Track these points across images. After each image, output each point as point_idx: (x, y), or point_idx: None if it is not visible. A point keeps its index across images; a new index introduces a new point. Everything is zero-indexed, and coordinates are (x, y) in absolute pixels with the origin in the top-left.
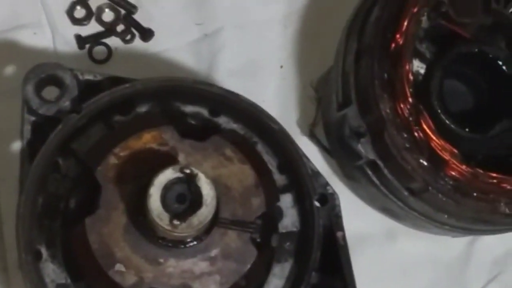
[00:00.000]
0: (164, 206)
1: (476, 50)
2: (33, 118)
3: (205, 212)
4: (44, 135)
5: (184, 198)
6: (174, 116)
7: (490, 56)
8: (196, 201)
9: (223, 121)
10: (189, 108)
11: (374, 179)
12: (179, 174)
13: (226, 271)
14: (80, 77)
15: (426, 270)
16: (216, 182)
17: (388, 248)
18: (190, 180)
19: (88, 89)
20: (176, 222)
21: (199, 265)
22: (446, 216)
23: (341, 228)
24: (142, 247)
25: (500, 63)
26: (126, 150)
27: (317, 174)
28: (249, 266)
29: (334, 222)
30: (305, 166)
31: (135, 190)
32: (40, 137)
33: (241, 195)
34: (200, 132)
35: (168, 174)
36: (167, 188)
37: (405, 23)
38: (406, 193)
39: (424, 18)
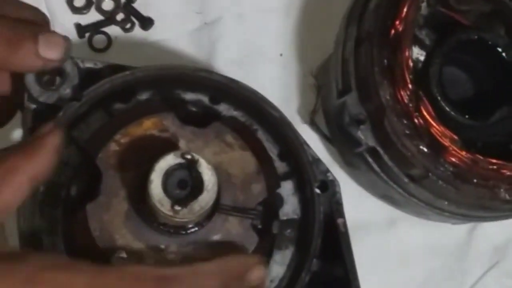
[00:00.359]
0: (165, 192)
1: (476, 37)
2: (33, 106)
3: (206, 198)
4: (45, 123)
5: (186, 184)
6: (174, 104)
7: (490, 43)
8: (197, 187)
9: (224, 108)
10: (189, 96)
11: (374, 166)
12: (180, 160)
13: None
14: (81, 65)
15: (426, 257)
16: (217, 169)
17: (389, 235)
18: (191, 166)
19: (89, 77)
20: (177, 207)
21: (200, 251)
22: (446, 202)
23: (342, 215)
24: (143, 234)
25: (500, 50)
26: (126, 137)
27: (317, 161)
28: (250, 252)
29: (335, 209)
30: (306, 153)
31: (136, 177)
32: (41, 125)
33: (242, 181)
34: (201, 119)
35: (169, 160)
36: (168, 174)
37: (405, 10)
38: (406, 179)
39: (423, 5)
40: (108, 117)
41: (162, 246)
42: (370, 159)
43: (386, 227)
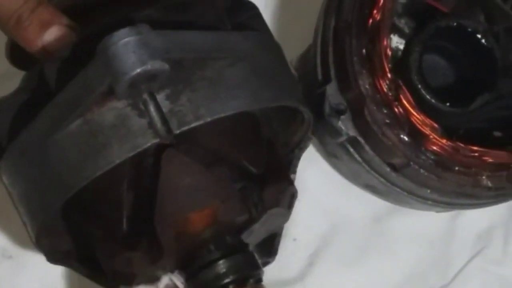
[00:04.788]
0: None
1: (455, 24)
2: None
3: None
4: None
5: None
6: None
7: (469, 29)
8: None
9: None
10: None
11: (356, 156)
12: None
13: None
14: None
15: (411, 246)
16: None
17: (372, 225)
18: None
19: None
20: None
21: None
22: (428, 191)
23: None
24: None
25: (479, 36)
26: None
27: None
28: None
29: None
30: None
31: None
32: None
33: None
34: None
35: None
36: None
37: None
38: (388, 169)
39: None
40: None
41: None
42: (351, 149)
43: (370, 217)
